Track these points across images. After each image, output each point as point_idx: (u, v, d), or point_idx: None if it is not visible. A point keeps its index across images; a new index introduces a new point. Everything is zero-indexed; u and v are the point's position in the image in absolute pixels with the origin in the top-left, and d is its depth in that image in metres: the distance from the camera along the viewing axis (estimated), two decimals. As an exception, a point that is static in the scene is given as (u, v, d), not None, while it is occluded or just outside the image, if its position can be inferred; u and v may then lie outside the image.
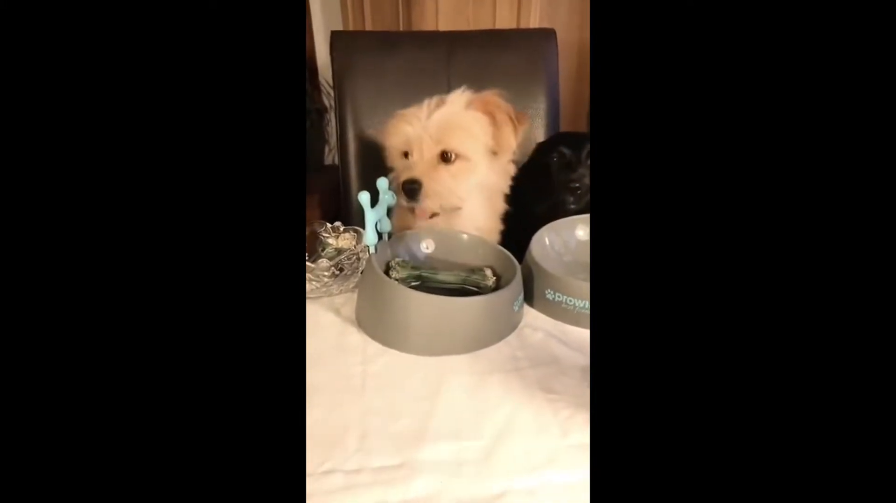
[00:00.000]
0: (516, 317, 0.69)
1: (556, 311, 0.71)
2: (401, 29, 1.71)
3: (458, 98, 0.77)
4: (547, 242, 0.78)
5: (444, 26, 1.64)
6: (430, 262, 0.75)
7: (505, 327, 0.67)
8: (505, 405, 0.56)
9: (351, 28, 1.85)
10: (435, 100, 0.77)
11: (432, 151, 0.74)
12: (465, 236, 0.77)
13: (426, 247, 0.76)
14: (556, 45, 1.25)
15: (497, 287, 0.71)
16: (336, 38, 1.23)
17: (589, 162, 0.81)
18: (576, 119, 1.80)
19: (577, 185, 0.79)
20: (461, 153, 0.74)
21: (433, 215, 0.78)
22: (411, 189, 0.72)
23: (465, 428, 0.53)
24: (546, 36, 1.24)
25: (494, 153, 0.77)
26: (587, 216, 0.82)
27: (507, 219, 0.85)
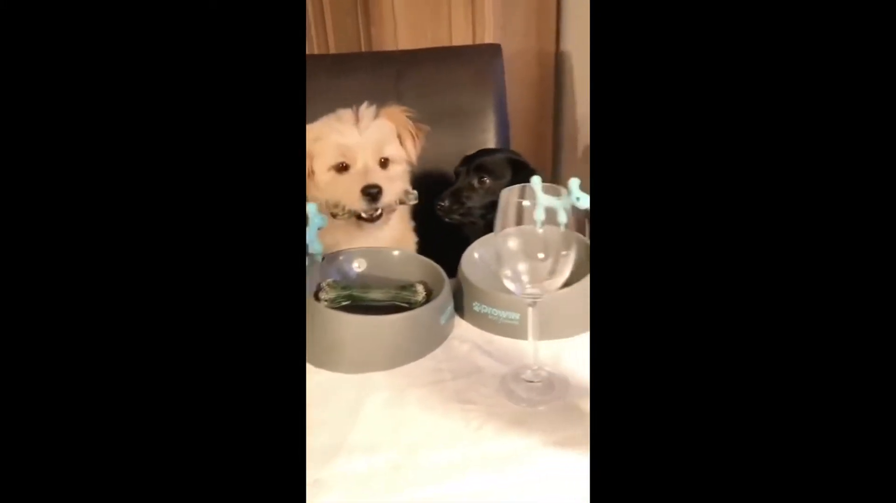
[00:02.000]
0: (445, 330, 0.72)
1: (483, 323, 0.73)
2: (362, 48, 1.74)
3: (370, 112, 0.86)
4: (476, 257, 0.81)
5: (403, 44, 1.67)
6: (363, 281, 0.78)
7: (431, 341, 0.70)
8: (420, 418, 0.59)
9: (315, 50, 1.88)
10: (347, 113, 0.86)
11: (374, 159, 0.83)
12: (395, 253, 0.80)
13: (357, 265, 0.79)
14: (502, 59, 1.28)
15: (428, 302, 0.74)
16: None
17: (476, 179, 0.92)
18: (540, 123, 1.84)
19: (442, 203, 0.91)
20: (394, 159, 0.86)
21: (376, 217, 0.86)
22: (373, 194, 0.81)
23: (379, 442, 0.56)
24: (491, 51, 1.27)
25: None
26: (519, 229, 0.85)
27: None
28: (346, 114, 0.87)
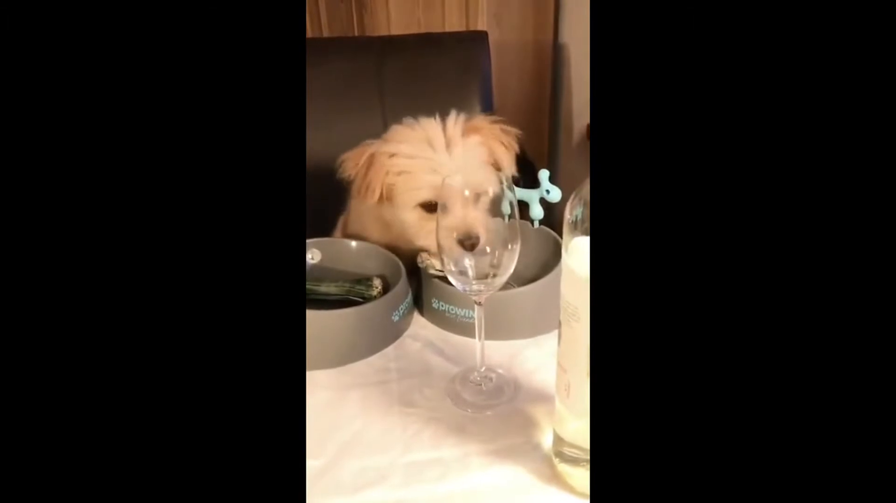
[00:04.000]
0: (398, 327, 0.68)
1: (441, 320, 0.70)
2: (356, 34, 1.71)
3: (459, 126, 0.71)
4: None
5: (396, 31, 1.64)
6: (316, 273, 0.74)
7: (380, 339, 0.66)
8: (357, 421, 0.55)
9: (308, 36, 1.85)
10: (433, 126, 0.71)
11: (472, 198, 0.62)
12: (353, 244, 0.76)
13: (311, 257, 0.75)
14: (488, 47, 1.23)
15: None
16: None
17: None
18: (537, 117, 1.79)
19: None
20: (486, 190, 0.62)
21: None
22: (473, 244, 0.61)
23: (308, 446, 0.52)
24: (477, 38, 1.23)
25: None
26: None
27: None
28: (433, 130, 0.71)
